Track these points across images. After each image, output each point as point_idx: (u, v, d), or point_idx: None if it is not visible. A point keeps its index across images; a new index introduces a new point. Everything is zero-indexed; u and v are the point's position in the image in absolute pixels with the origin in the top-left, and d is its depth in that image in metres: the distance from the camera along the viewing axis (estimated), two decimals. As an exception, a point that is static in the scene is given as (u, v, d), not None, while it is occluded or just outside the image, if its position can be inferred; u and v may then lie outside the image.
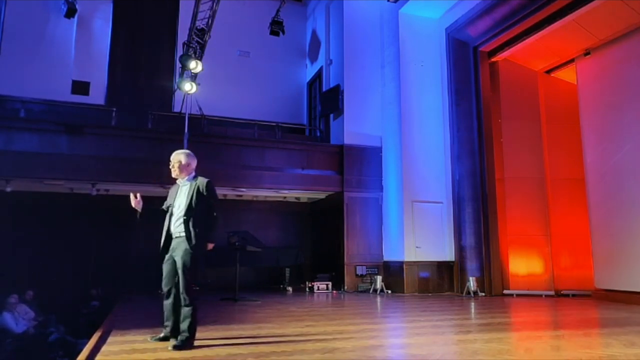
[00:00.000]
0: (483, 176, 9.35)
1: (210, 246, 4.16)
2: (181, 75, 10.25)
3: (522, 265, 9.23)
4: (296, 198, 11.68)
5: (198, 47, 10.01)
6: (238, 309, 6.87)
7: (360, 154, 10.52)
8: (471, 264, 9.16)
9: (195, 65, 9.55)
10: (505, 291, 9.01)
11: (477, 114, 9.54)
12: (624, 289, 7.76)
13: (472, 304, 7.78)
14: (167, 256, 4.02)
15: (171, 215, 4.07)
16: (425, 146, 9.95)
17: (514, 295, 8.82)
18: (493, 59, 9.84)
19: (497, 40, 9.34)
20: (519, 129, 9.68)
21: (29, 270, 9.16)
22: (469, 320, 6.01)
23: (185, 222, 3.94)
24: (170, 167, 4.15)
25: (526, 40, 9.04)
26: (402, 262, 9.48)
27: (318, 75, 12.29)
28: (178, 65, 10.51)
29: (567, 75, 9.85)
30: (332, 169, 10.44)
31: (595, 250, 8.41)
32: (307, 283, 10.05)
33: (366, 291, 9.70)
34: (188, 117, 9.29)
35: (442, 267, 9.62)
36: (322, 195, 11.16)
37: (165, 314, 4.02)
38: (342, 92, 10.66)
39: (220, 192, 9.04)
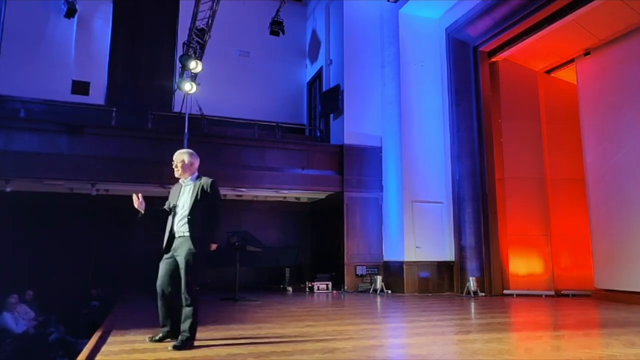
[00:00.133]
0: (483, 176, 9.36)
1: (214, 247, 4.14)
2: (181, 75, 10.24)
3: (522, 265, 9.23)
4: (296, 198, 11.68)
5: (198, 47, 10.02)
6: (238, 309, 6.87)
7: (360, 154, 10.52)
8: (471, 264, 9.16)
9: (195, 65, 9.55)
10: (505, 291, 9.01)
11: (477, 114, 9.54)
12: (624, 289, 7.76)
13: (472, 304, 7.78)
14: (166, 255, 4.00)
15: (174, 214, 4.05)
16: (425, 146, 9.95)
17: (514, 295, 8.82)
18: (493, 59, 9.84)
19: (497, 40, 9.34)
20: (519, 129, 9.67)
21: (29, 270, 9.16)
22: (469, 320, 6.01)
23: (190, 222, 3.93)
24: (174, 166, 4.14)
25: (526, 40, 9.04)
26: (402, 262, 9.48)
27: (318, 75, 12.29)
28: (178, 65, 10.50)
29: (567, 75, 9.85)
30: (332, 169, 10.45)
31: (595, 250, 8.41)
32: (307, 283, 10.05)
33: (366, 291, 9.70)
34: (188, 117, 9.28)
35: (442, 267, 9.62)
36: (322, 195, 11.16)
37: (161, 314, 3.99)
38: (342, 92, 10.66)
39: (220, 192, 9.00)
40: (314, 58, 12.67)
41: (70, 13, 9.91)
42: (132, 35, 11.64)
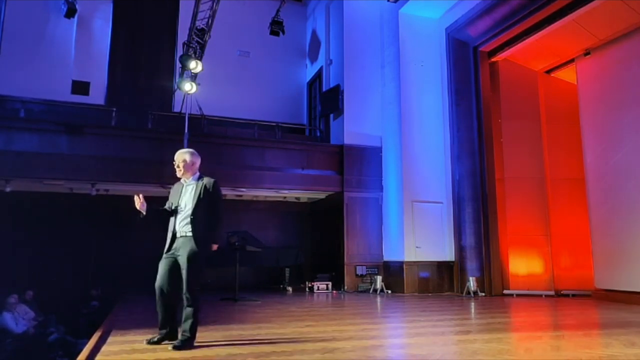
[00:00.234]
0: (483, 176, 9.36)
1: (215, 247, 4.12)
2: (181, 75, 10.25)
3: (522, 265, 9.23)
4: (296, 198, 11.68)
5: (198, 47, 10.02)
6: (238, 309, 6.87)
7: (360, 154, 10.52)
8: (471, 264, 9.16)
9: (195, 65, 9.55)
10: (505, 291, 9.01)
11: (477, 114, 9.54)
12: (624, 289, 7.76)
13: (472, 304, 7.78)
14: (167, 254, 3.97)
15: (176, 214, 4.04)
16: (425, 146, 9.95)
17: (514, 295, 8.82)
18: (493, 59, 9.84)
19: (497, 40, 9.34)
20: (519, 129, 9.67)
21: (29, 270, 9.15)
22: (469, 320, 6.01)
23: (193, 222, 3.92)
24: (175, 166, 4.12)
25: (526, 40, 9.04)
26: (402, 262, 9.48)
27: (318, 75, 12.29)
28: (178, 65, 10.50)
29: (567, 75, 9.85)
30: (332, 169, 10.45)
31: (595, 250, 8.41)
32: (307, 283, 10.05)
33: (366, 291, 9.70)
34: (188, 117, 9.29)
35: (442, 267, 9.62)
36: (322, 195, 11.16)
37: (160, 317, 3.93)
38: (342, 92, 10.66)
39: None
40: (314, 58, 12.67)
41: (70, 13, 9.92)
42: (132, 35, 11.64)
